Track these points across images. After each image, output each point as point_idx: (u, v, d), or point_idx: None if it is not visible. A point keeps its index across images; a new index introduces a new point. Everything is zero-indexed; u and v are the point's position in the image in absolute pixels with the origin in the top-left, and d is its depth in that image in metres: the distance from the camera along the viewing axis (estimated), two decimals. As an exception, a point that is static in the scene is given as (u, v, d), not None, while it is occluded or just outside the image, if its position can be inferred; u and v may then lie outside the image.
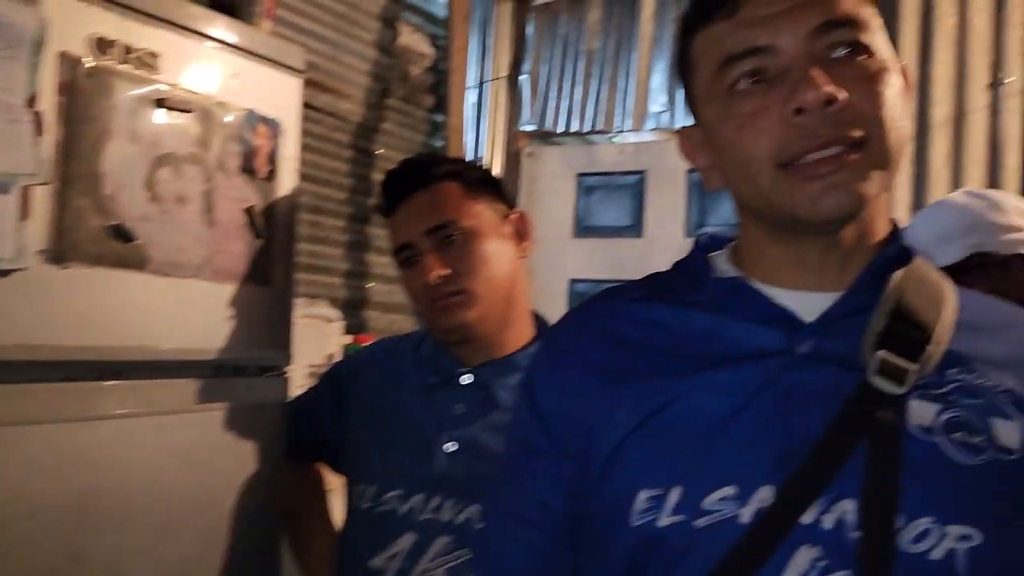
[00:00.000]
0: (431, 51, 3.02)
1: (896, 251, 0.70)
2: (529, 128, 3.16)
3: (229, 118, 1.25)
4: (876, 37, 0.66)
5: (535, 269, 3.06)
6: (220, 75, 1.25)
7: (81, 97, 1.06)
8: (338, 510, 1.32)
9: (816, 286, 0.70)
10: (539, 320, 1.28)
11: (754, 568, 0.61)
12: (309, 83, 2.49)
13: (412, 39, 2.95)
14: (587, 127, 3.05)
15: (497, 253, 1.19)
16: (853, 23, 0.65)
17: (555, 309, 1.32)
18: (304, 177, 2.54)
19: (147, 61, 1.14)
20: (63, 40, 1.04)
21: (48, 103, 1.02)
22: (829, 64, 0.64)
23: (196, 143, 1.20)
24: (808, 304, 0.69)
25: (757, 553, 0.61)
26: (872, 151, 0.64)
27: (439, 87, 3.02)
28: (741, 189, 0.70)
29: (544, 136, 3.19)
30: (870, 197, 0.64)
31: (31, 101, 1.00)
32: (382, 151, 2.79)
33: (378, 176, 2.77)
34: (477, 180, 1.23)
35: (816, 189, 0.64)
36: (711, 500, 0.64)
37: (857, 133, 0.63)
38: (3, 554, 0.98)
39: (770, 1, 0.65)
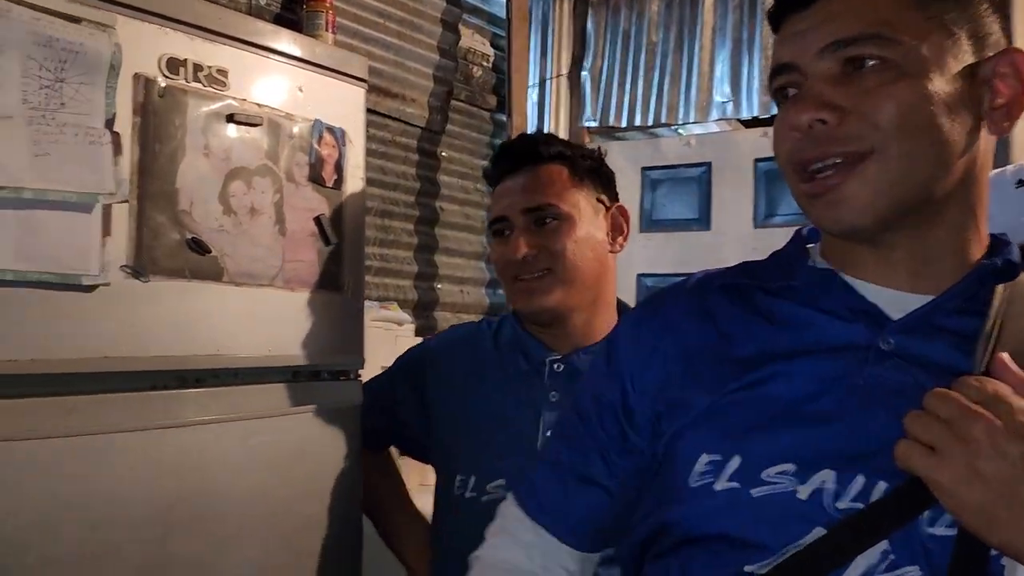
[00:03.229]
0: (492, 51, 3.04)
1: (1001, 264, 0.69)
2: (592, 124, 3.15)
3: (296, 129, 1.28)
4: (901, 48, 0.65)
5: (603, 265, 3.04)
6: (286, 88, 1.28)
7: (155, 116, 1.10)
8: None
9: (904, 285, 0.70)
10: (624, 308, 1.29)
11: (845, 558, 0.62)
12: (373, 89, 2.54)
13: (473, 41, 2.97)
14: (650, 120, 3.02)
15: (587, 242, 1.20)
16: (866, 39, 0.66)
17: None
18: (371, 182, 2.59)
19: (216, 78, 1.18)
20: (136, 62, 1.08)
21: (125, 124, 1.07)
22: (838, 81, 0.66)
23: (266, 155, 1.23)
24: (894, 301, 0.69)
25: (854, 545, 0.62)
26: (879, 160, 0.65)
27: (501, 87, 3.03)
28: None
29: (607, 131, 3.17)
30: (879, 207, 0.66)
31: (109, 123, 1.04)
32: (447, 153, 2.82)
33: (444, 178, 2.80)
34: (586, 168, 1.24)
35: (818, 207, 0.68)
36: (770, 472, 0.66)
37: (851, 148, 0.65)
38: (95, 558, 1.02)
39: (799, 19, 0.69)
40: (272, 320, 1.23)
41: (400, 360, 1.39)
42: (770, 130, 0.75)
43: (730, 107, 2.85)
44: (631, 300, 2.98)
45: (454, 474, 1.22)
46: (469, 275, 2.90)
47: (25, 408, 0.98)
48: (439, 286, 2.78)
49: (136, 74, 1.08)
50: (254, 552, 1.19)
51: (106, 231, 1.04)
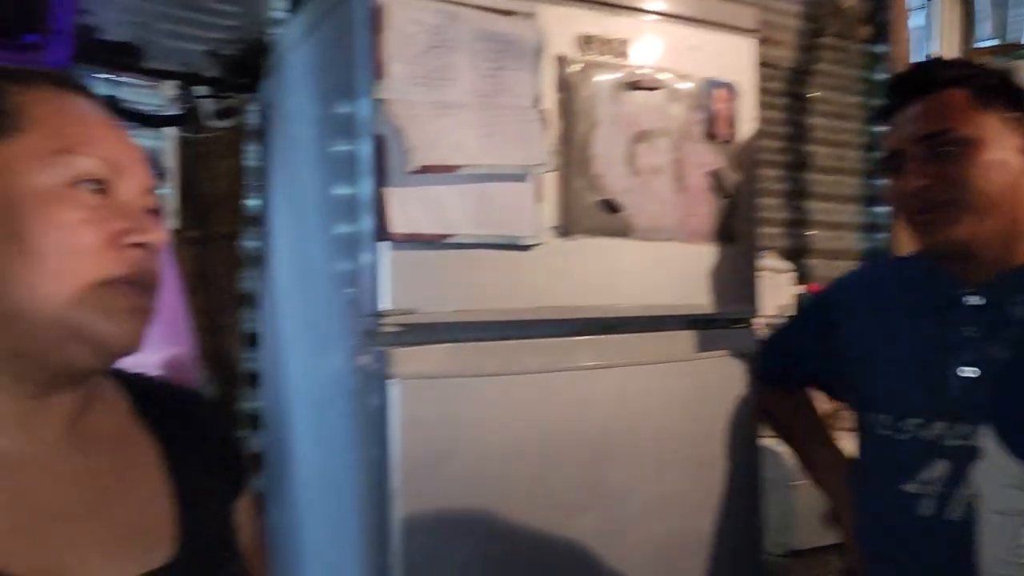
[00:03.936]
0: (865, -23, 2.83)
1: None
2: (989, 44, 2.80)
3: (690, 88, 1.34)
4: None
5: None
6: (679, 49, 1.34)
7: (573, 92, 1.22)
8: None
9: None
10: None
11: None
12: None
13: (843, -31, 2.78)
14: (1065, 31, 2.61)
15: (995, 166, 1.09)
16: None
17: None
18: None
19: (620, 49, 1.27)
20: (556, 44, 1.21)
21: (549, 101, 1.20)
22: None
23: (664, 117, 1.31)
24: None
25: None
26: None
27: (876, 15, 2.81)
28: None
29: (1007, 50, 2.80)
30: None
31: (536, 102, 1.18)
32: (817, 93, 2.70)
33: (814, 120, 2.69)
34: (990, 88, 1.13)
35: None
36: None
37: None
38: (537, 480, 1.20)
39: None
40: (675, 272, 1.32)
41: (811, 303, 1.42)
42: None
43: None
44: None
45: (867, 411, 1.23)
46: (844, 220, 2.78)
47: (480, 350, 1.17)
48: (811, 233, 2.70)
49: (557, 55, 1.21)
50: (665, 483, 1.30)
51: (539, 197, 1.19)
